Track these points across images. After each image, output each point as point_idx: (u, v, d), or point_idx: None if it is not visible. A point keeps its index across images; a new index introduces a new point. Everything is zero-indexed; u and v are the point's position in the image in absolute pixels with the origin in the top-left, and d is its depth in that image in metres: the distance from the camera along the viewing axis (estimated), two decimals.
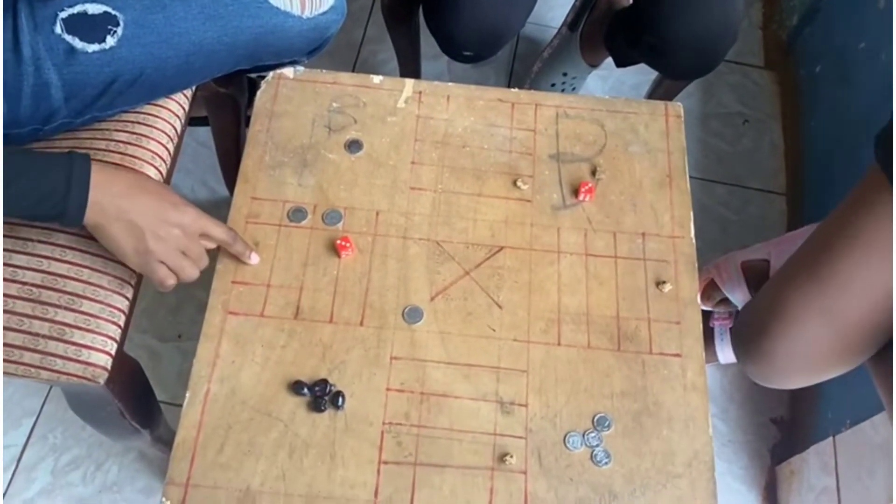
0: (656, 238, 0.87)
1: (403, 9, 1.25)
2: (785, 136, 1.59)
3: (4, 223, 0.78)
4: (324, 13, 0.89)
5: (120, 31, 0.77)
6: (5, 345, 0.75)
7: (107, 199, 0.71)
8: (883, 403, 0.81)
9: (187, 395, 0.76)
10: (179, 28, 0.79)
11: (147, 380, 0.93)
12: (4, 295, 0.76)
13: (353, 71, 1.59)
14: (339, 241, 0.83)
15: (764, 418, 1.30)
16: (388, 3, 1.25)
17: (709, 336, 1.15)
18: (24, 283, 0.77)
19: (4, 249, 0.78)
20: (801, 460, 1.18)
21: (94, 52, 0.76)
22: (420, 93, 0.95)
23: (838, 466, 1.07)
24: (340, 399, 0.76)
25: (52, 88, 0.76)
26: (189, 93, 0.94)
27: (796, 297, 0.75)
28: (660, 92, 1.32)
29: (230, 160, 1.24)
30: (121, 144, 0.84)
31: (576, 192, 0.89)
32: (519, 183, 0.89)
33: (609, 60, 1.32)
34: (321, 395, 0.76)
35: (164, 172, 0.88)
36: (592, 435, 0.76)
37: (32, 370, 0.76)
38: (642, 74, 1.42)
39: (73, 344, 0.76)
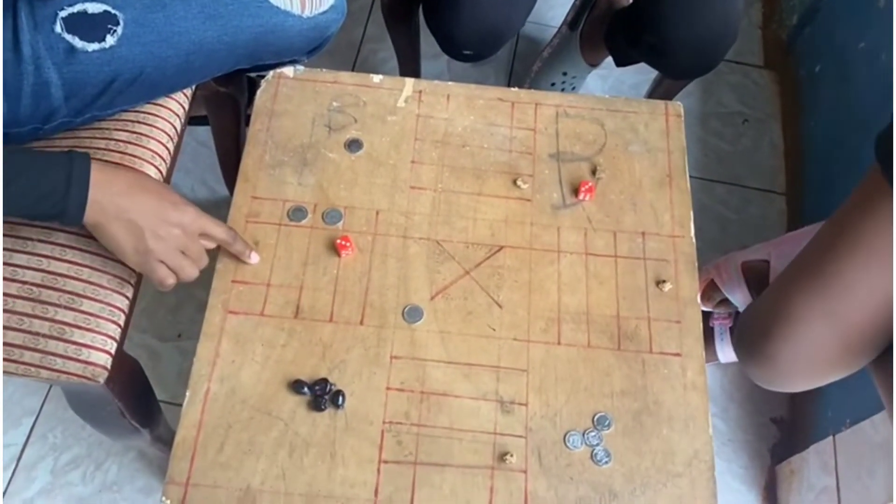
0: (656, 237, 0.87)
1: (403, 8, 1.25)
2: (785, 136, 1.59)
3: (4, 222, 0.78)
4: (324, 12, 0.89)
5: (120, 30, 0.77)
6: (5, 344, 0.75)
7: (106, 198, 0.71)
8: (884, 404, 0.81)
9: (187, 394, 0.76)
10: (179, 27, 0.79)
11: (147, 379, 0.93)
12: (4, 294, 0.76)
13: (353, 70, 1.59)
14: (339, 241, 0.83)
15: (764, 418, 1.30)
16: (388, 3, 1.25)
17: (709, 335, 1.15)
18: (24, 283, 0.77)
19: (4, 249, 0.78)
20: (801, 460, 1.18)
21: (93, 52, 0.76)
22: (420, 92, 0.95)
23: (838, 466, 1.07)
24: (340, 398, 0.76)
25: (52, 87, 0.76)
26: (189, 92, 0.94)
27: (799, 299, 0.75)
28: (660, 91, 1.32)
29: (230, 159, 1.24)
30: (121, 143, 0.84)
31: (576, 192, 0.89)
32: (519, 182, 0.89)
33: (609, 60, 1.32)
34: (321, 395, 0.76)
35: (164, 172, 0.88)
36: (592, 434, 0.76)
37: (32, 369, 0.76)
38: (642, 74, 1.42)
39: (73, 343, 0.76)
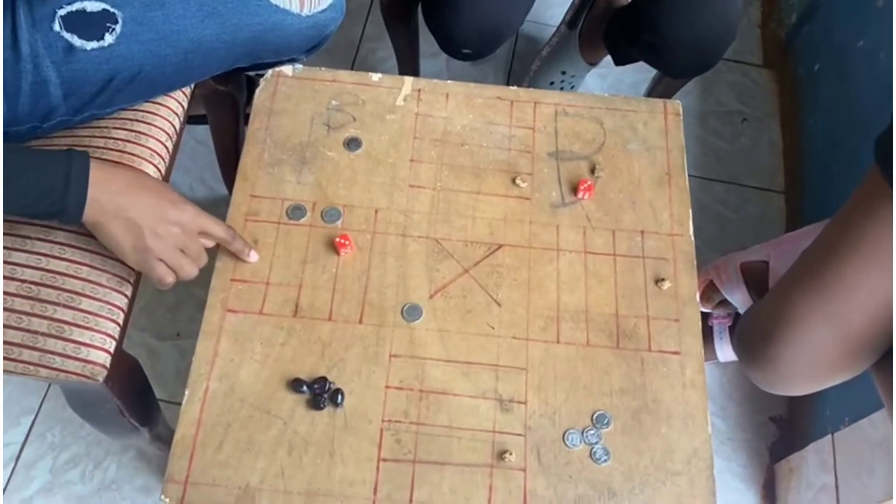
0: (655, 236, 0.87)
1: (402, 7, 1.25)
2: (783, 135, 1.59)
3: (4, 221, 0.78)
4: (323, 11, 0.89)
5: (118, 28, 0.77)
6: (4, 342, 0.75)
7: (105, 196, 0.71)
8: (884, 404, 0.81)
9: (186, 392, 0.76)
10: (178, 26, 0.79)
11: (146, 378, 0.93)
12: (4, 292, 0.76)
13: (351, 69, 1.59)
14: (338, 239, 0.83)
15: (763, 416, 1.30)
16: (387, 2, 1.25)
17: (708, 334, 1.15)
18: (24, 281, 0.77)
19: (4, 247, 0.78)
20: (800, 458, 1.18)
21: (92, 50, 0.76)
22: (419, 91, 0.95)
23: (837, 464, 1.08)
24: (339, 397, 0.76)
25: (50, 86, 0.76)
26: (188, 91, 0.94)
27: (800, 302, 0.75)
28: (658, 90, 1.32)
29: (229, 158, 1.24)
30: (119, 142, 0.84)
31: (575, 190, 0.89)
32: (518, 181, 0.89)
33: (608, 59, 1.32)
34: (320, 393, 0.76)
35: (163, 170, 0.88)
36: (591, 432, 0.76)
37: (31, 368, 0.76)
38: (641, 73, 1.42)
39: (72, 342, 0.76)
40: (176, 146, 0.92)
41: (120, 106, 0.85)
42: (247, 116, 0.97)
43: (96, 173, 0.70)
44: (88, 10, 0.76)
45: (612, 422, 0.77)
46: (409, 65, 1.39)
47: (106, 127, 0.85)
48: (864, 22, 1.34)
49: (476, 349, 0.80)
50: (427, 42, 1.24)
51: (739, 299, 1.03)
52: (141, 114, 0.87)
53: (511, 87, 0.96)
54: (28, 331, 0.76)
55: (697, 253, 0.86)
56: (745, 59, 1.69)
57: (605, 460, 0.75)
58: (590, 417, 0.77)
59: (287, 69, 0.95)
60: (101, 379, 0.78)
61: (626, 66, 1.27)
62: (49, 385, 1.24)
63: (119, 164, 0.81)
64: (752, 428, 1.29)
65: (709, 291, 1.07)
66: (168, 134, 0.89)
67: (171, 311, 1.33)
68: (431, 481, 0.73)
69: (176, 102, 0.91)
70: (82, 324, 0.77)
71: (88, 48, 0.76)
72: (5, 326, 0.75)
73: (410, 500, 0.73)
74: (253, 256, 0.82)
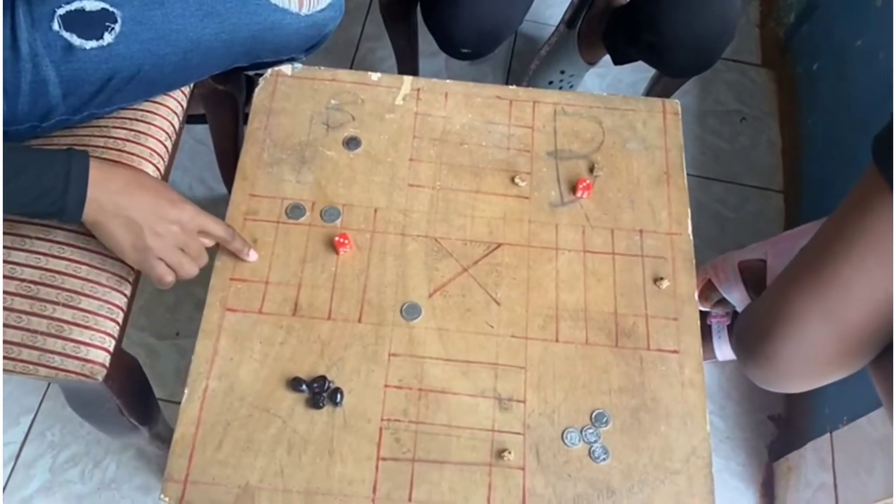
0: (654, 235, 0.87)
1: (401, 6, 1.25)
2: (782, 134, 1.59)
3: (3, 220, 0.78)
4: (321, 10, 0.89)
5: (118, 27, 0.77)
6: (4, 341, 0.75)
7: (105, 195, 0.71)
8: (882, 403, 0.81)
9: (186, 391, 0.76)
10: (177, 25, 0.79)
11: (145, 377, 0.93)
12: (3, 292, 0.76)
13: (351, 68, 1.58)
14: (337, 238, 0.83)
15: (761, 415, 1.30)
16: (386, 1, 1.25)
17: (706, 333, 1.15)
18: (23, 280, 0.77)
19: (3, 246, 0.78)
20: (799, 457, 1.18)
21: (91, 49, 0.76)
22: (418, 90, 0.95)
23: (835, 463, 1.08)
24: (339, 396, 0.76)
25: (49, 85, 0.76)
26: (187, 90, 0.94)
27: (798, 299, 0.75)
28: (657, 89, 1.32)
29: (228, 158, 1.24)
30: (119, 142, 0.84)
31: (573, 189, 0.89)
32: (517, 180, 0.89)
33: (607, 58, 1.32)
34: (319, 392, 0.76)
35: (162, 170, 0.88)
36: (590, 431, 0.76)
37: (31, 367, 0.76)
38: (640, 72, 1.42)
39: (72, 341, 0.76)
40: (175, 145, 0.92)
41: (119, 105, 0.85)
42: (246, 116, 0.97)
43: (96, 172, 0.70)
44: (87, 9, 0.76)
45: (611, 420, 0.77)
46: (408, 64, 1.40)
47: (105, 126, 0.85)
48: (862, 21, 1.34)
49: (475, 348, 0.80)
50: (426, 41, 1.24)
51: (737, 298, 1.03)
52: (140, 113, 0.87)
53: (510, 87, 0.96)
54: (27, 330, 0.76)
55: (696, 252, 0.86)
56: (743, 58, 1.69)
57: (604, 459, 0.75)
58: (589, 416, 0.77)
59: (286, 68, 0.95)
60: (100, 378, 0.78)
61: (625, 66, 1.27)
62: (48, 384, 1.24)
63: (118, 163, 0.81)
64: (751, 427, 1.29)
65: (707, 290, 1.07)
66: (167, 133, 0.89)
67: (170, 311, 1.33)
68: (430, 480, 0.74)
69: (175, 102, 0.91)
70: (82, 323, 0.77)
71: (87, 47, 0.76)
72: (5, 325, 0.75)
73: (409, 499, 0.73)
74: (252, 255, 0.82)
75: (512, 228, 0.86)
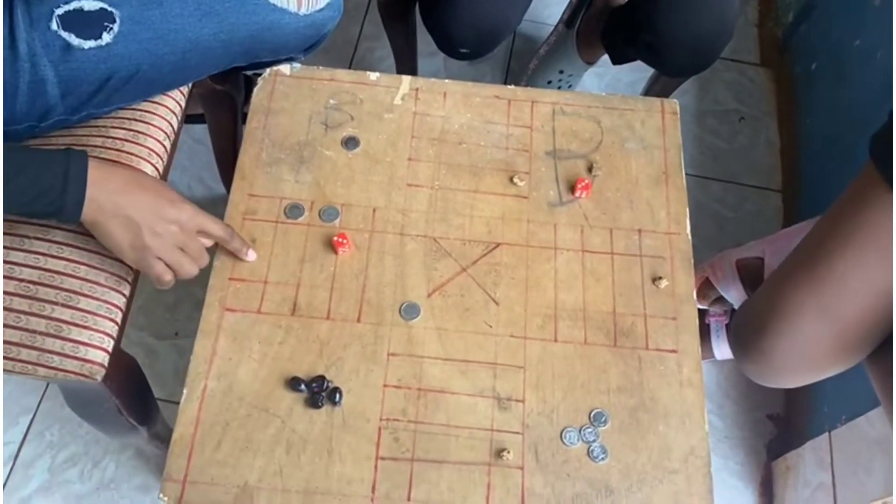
0: (652, 234, 0.87)
1: (400, 6, 1.25)
2: (781, 134, 1.59)
3: (2, 220, 0.78)
4: (320, 10, 0.89)
5: (116, 27, 0.77)
6: (3, 342, 0.75)
7: (104, 195, 0.71)
8: (880, 400, 0.81)
9: (184, 391, 0.76)
10: (176, 25, 0.79)
11: (144, 377, 0.93)
12: (2, 292, 0.76)
13: (349, 68, 1.59)
14: (336, 238, 0.83)
15: (760, 414, 1.30)
16: (385, 1, 1.25)
17: (705, 332, 1.15)
18: (22, 280, 0.77)
19: (2, 246, 0.78)
20: (797, 456, 1.18)
21: (90, 49, 0.76)
22: (417, 90, 0.95)
23: (834, 462, 1.08)
24: (338, 395, 0.76)
25: (48, 85, 0.76)
26: (185, 90, 0.94)
27: (793, 294, 0.75)
28: (656, 89, 1.32)
29: (227, 157, 1.24)
30: (117, 141, 0.84)
31: (572, 189, 0.89)
32: (515, 179, 0.89)
33: (605, 58, 1.32)
34: (318, 392, 0.76)
35: (161, 169, 0.88)
36: (589, 430, 0.76)
37: (30, 367, 0.76)
38: (638, 72, 1.42)
39: (71, 341, 0.76)
40: (174, 145, 0.92)
41: (118, 105, 0.85)
42: (244, 115, 0.97)
43: (94, 172, 0.70)
44: (86, 8, 0.76)
45: (610, 420, 0.77)
46: (406, 64, 1.40)
47: (104, 126, 0.85)
48: (860, 21, 1.34)
49: (474, 348, 0.80)
50: (425, 41, 1.24)
51: (735, 296, 1.03)
52: (139, 113, 0.87)
53: (509, 86, 0.96)
54: (26, 330, 0.76)
55: (695, 251, 0.87)
56: (742, 57, 1.69)
57: (603, 458, 0.75)
58: (587, 416, 0.77)
59: (285, 68, 0.95)
60: (99, 378, 0.78)
61: (624, 65, 1.27)
62: (47, 384, 1.24)
63: (117, 163, 0.81)
64: (750, 426, 1.29)
65: (705, 288, 1.08)
66: (166, 133, 0.89)
67: (169, 311, 1.33)
68: (429, 480, 0.74)
69: (174, 102, 0.91)
70: (81, 323, 0.77)
71: (86, 47, 0.76)
72: (4, 325, 0.75)
73: (408, 499, 0.73)
74: (251, 255, 0.82)
75: (510, 228, 0.86)
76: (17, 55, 0.73)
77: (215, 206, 0.86)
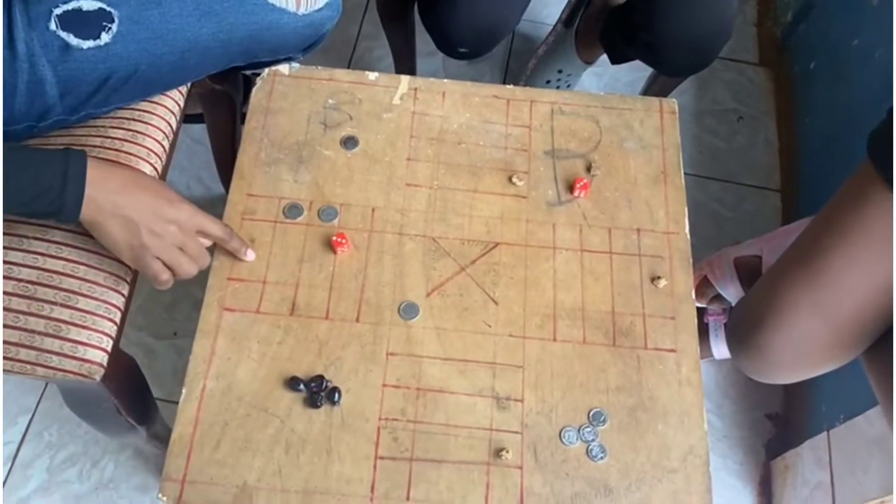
0: (651, 234, 0.87)
1: (399, 6, 1.25)
2: (779, 133, 1.59)
3: (1, 220, 0.78)
4: (319, 10, 0.89)
5: (115, 27, 0.77)
6: (2, 342, 0.75)
7: (102, 195, 0.71)
8: (878, 399, 0.81)
9: (183, 391, 0.76)
10: (174, 25, 0.79)
11: (143, 376, 0.93)
12: (1, 292, 0.76)
13: (348, 68, 1.59)
14: (334, 238, 0.83)
15: (759, 413, 1.30)
16: (383, 1, 1.25)
17: (703, 332, 1.15)
18: (20, 280, 0.77)
19: (1, 246, 0.78)
20: (796, 455, 1.18)
21: (88, 49, 0.76)
22: (415, 89, 0.95)
23: (832, 461, 1.08)
24: (337, 395, 0.76)
25: (46, 85, 0.76)
26: (184, 90, 0.94)
27: (789, 291, 0.76)
28: (655, 88, 1.32)
29: (225, 157, 1.24)
30: (116, 141, 0.84)
31: (571, 189, 0.89)
32: (514, 179, 0.89)
33: (604, 57, 1.32)
34: (317, 392, 0.76)
35: (160, 169, 0.88)
36: (588, 430, 0.76)
37: (28, 367, 0.76)
38: (637, 71, 1.42)
39: (69, 341, 0.76)
40: (172, 145, 0.92)
41: (116, 105, 0.84)
42: (243, 115, 0.97)
43: (93, 172, 0.70)
44: (85, 8, 0.76)
45: (609, 419, 0.77)
46: (405, 63, 1.40)
47: (102, 126, 0.85)
48: (859, 20, 1.34)
49: (473, 347, 0.80)
50: (423, 41, 1.24)
51: (733, 294, 1.03)
52: (138, 113, 0.87)
53: (507, 86, 0.96)
54: (25, 330, 0.76)
55: (693, 251, 0.87)
56: (740, 57, 1.69)
57: (602, 458, 0.75)
58: (586, 415, 0.77)
59: (283, 68, 0.95)
60: (98, 378, 0.78)
61: (623, 65, 1.27)
62: (46, 384, 1.24)
63: (116, 162, 0.81)
64: (748, 425, 1.29)
65: (703, 286, 1.08)
66: (165, 133, 0.89)
67: (168, 310, 1.33)
68: (428, 479, 0.74)
69: (172, 101, 0.91)
70: (79, 323, 0.77)
71: (85, 47, 0.76)
72: (3, 325, 0.75)
73: (408, 498, 0.73)
74: (250, 255, 0.82)
75: (509, 228, 0.87)
76: (16, 55, 0.73)
77: (214, 205, 0.86)
